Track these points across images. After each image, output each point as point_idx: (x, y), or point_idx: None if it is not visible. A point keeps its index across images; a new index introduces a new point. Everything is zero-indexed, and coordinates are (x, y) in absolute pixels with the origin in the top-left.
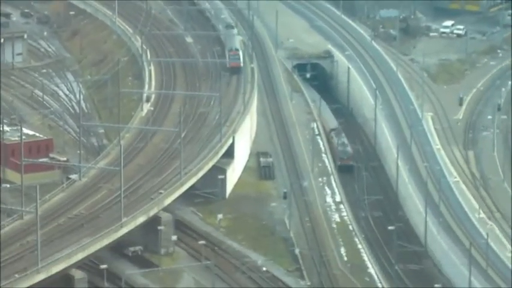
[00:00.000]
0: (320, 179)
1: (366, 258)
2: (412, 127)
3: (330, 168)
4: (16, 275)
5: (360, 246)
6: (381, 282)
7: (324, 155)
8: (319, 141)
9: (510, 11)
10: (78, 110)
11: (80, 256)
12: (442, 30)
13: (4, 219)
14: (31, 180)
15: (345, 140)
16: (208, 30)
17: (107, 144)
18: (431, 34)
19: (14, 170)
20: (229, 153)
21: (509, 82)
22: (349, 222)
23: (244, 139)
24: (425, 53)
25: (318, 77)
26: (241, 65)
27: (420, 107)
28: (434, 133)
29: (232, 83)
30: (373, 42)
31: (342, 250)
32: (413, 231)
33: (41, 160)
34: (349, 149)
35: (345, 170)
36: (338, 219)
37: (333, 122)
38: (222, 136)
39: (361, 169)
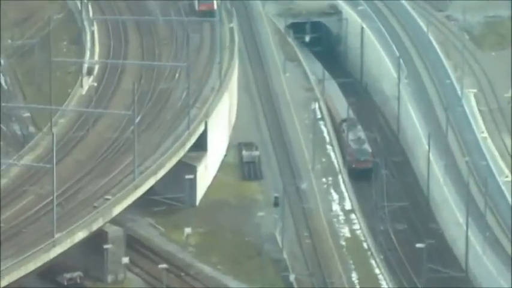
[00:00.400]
0: (324, 180)
1: (385, 286)
2: (448, 108)
3: (337, 165)
4: None
5: (377, 270)
6: None
7: (328, 147)
8: (323, 127)
9: None
10: None
11: None
12: None
13: None
14: None
15: (362, 135)
16: None
17: (34, 132)
18: None
19: None
20: (201, 145)
21: None
22: (363, 238)
23: (220, 125)
24: (466, 8)
25: (320, 40)
26: (215, 7)
27: (460, 82)
28: (479, 116)
29: (205, 48)
30: None
31: (354, 276)
32: (450, 249)
33: None
34: (366, 147)
35: (360, 176)
36: (348, 234)
37: (342, 106)
38: (190, 121)
39: (379, 166)
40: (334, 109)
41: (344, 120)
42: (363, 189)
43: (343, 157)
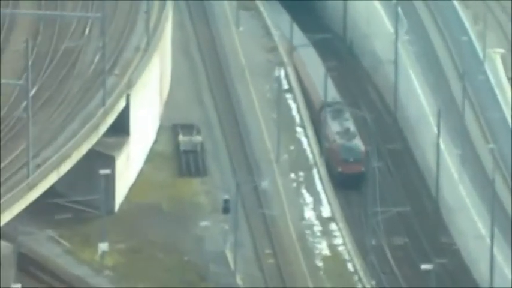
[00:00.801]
0: (293, 176)
1: None
2: (466, 76)
3: (311, 155)
4: None
5: None
6: None
7: (299, 130)
8: (291, 103)
9: None
10: None
11: None
12: None
13: None
14: None
15: (351, 126)
16: None
17: None
18: None
19: None
20: (121, 128)
21: None
22: (347, 257)
23: (148, 100)
24: None
25: None
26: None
27: (481, 39)
28: (508, 87)
29: None
30: None
31: None
32: (468, 272)
33: None
34: (358, 142)
35: (348, 183)
36: (327, 252)
37: (319, 75)
38: (106, 95)
39: (370, 157)
40: (307, 80)
41: (327, 105)
42: (348, 190)
43: (325, 156)
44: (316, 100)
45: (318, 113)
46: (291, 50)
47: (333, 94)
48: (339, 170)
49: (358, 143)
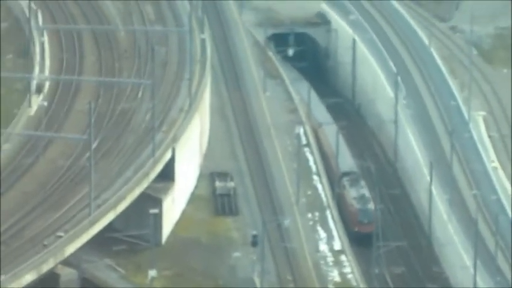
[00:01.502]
0: (310, 215)
1: None
2: (454, 134)
3: (325, 199)
4: None
5: None
6: None
7: (315, 178)
8: (308, 155)
9: None
10: None
11: None
12: None
13: None
14: None
15: (366, 192)
16: None
17: None
18: None
19: None
20: (167, 175)
21: None
22: (355, 284)
23: (190, 152)
24: (474, 18)
25: (306, 55)
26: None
27: (466, 103)
28: (489, 144)
29: (172, 63)
30: None
31: None
32: None
33: None
34: (371, 206)
35: (363, 241)
36: (338, 278)
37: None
38: (155, 147)
39: (374, 199)
40: (329, 151)
41: (346, 174)
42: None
43: (343, 217)
44: (336, 170)
45: (338, 181)
46: (309, 111)
47: (350, 165)
48: (356, 229)
49: (372, 207)
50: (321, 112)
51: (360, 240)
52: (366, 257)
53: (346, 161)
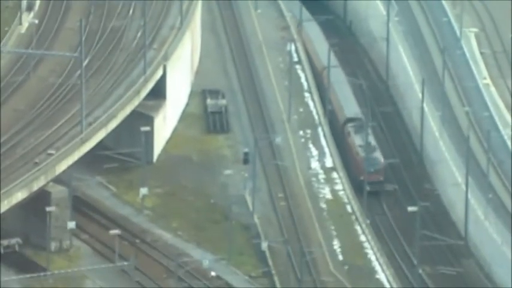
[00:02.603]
0: (301, 133)
1: (372, 256)
2: (445, 51)
3: (316, 116)
4: None
5: (363, 237)
6: None
7: (306, 95)
8: (300, 73)
9: None
10: None
11: None
12: None
13: None
14: None
15: (372, 140)
16: None
17: None
18: None
19: None
20: (159, 92)
21: None
22: (346, 200)
23: (181, 70)
24: None
25: None
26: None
27: (458, 20)
28: (481, 60)
29: None
30: None
31: (336, 244)
32: (447, 214)
33: None
34: (378, 155)
35: (369, 190)
36: (329, 196)
37: (323, 50)
38: (146, 65)
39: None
40: (314, 54)
41: (350, 120)
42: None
43: (349, 166)
44: (340, 115)
45: (342, 127)
46: (300, 28)
47: (355, 110)
48: (361, 178)
49: (378, 156)
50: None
51: (366, 189)
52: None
53: (351, 106)
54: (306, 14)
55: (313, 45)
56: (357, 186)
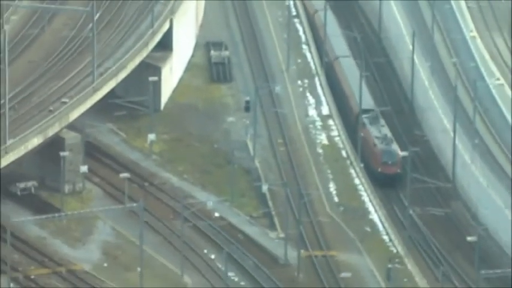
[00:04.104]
0: (299, 82)
1: (366, 198)
2: (434, 5)
3: (313, 66)
4: None
5: (357, 180)
6: (387, 234)
7: (304, 47)
8: (298, 26)
9: None
10: None
11: None
12: None
13: None
14: None
15: (388, 132)
16: None
17: None
18: None
19: None
20: (166, 44)
21: None
22: (341, 146)
23: (187, 23)
24: None
25: None
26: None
27: None
28: (467, 14)
29: None
30: None
31: (332, 187)
32: (436, 158)
33: None
34: (395, 147)
35: (385, 181)
36: (326, 141)
37: (364, 98)
38: (154, 19)
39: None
40: (312, 10)
41: (365, 111)
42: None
43: (365, 157)
44: (354, 106)
45: (356, 118)
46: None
47: (369, 102)
48: (379, 170)
49: (395, 148)
50: None
51: (383, 181)
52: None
53: (365, 98)
54: None
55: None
56: (375, 177)
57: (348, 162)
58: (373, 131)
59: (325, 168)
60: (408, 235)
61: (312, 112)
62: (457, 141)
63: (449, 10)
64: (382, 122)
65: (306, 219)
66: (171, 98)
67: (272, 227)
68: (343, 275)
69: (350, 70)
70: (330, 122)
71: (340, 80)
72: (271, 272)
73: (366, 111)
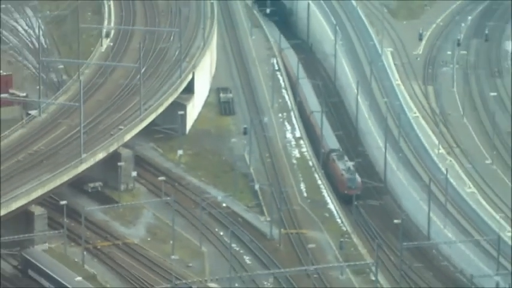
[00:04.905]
0: (280, 115)
1: (325, 194)
2: (371, 63)
3: (290, 104)
4: None
5: (319, 182)
6: (340, 218)
7: (283, 91)
8: (279, 76)
9: None
10: (37, 46)
11: (39, 192)
12: None
13: None
14: None
15: (351, 166)
16: None
17: (66, 79)
18: None
19: None
20: (189, 89)
21: (469, 18)
22: (309, 158)
23: (204, 74)
24: None
25: (277, 12)
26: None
27: (380, 43)
28: (394, 68)
29: (192, 18)
30: None
31: (302, 186)
32: (372, 166)
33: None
34: (357, 177)
35: (349, 200)
36: (298, 155)
37: (331, 141)
38: (181, 71)
39: (321, 106)
40: (286, 59)
41: (333, 151)
42: (306, 122)
43: (333, 183)
44: (325, 147)
45: (326, 155)
46: (279, 48)
47: (335, 144)
48: (345, 192)
49: (357, 177)
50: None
51: (348, 199)
52: (317, 142)
53: (332, 140)
54: (283, 39)
55: (288, 59)
56: (341, 197)
57: (313, 169)
58: (341, 165)
59: (298, 173)
60: (354, 219)
61: (289, 135)
62: (387, 155)
63: (382, 66)
64: (346, 158)
65: (284, 207)
66: (193, 126)
67: (262, 213)
68: (310, 246)
69: (313, 106)
70: (301, 142)
71: (309, 116)
72: (261, 244)
73: (333, 150)
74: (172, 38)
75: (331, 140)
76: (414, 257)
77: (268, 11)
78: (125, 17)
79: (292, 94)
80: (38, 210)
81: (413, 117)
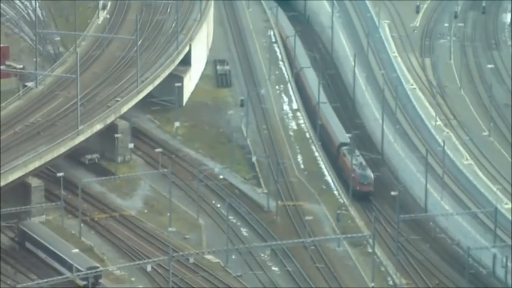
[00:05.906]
0: (277, 87)
1: (322, 165)
2: (369, 35)
3: (286, 76)
4: None
5: (316, 154)
6: (337, 190)
7: (280, 63)
8: (276, 49)
9: None
10: (34, 18)
11: (36, 164)
12: None
13: None
14: None
15: (363, 161)
16: None
17: (63, 51)
18: None
19: None
20: (186, 61)
21: None
22: (306, 130)
23: (201, 47)
24: None
25: None
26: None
27: (377, 15)
28: (391, 41)
29: None
30: None
31: (299, 158)
32: (370, 138)
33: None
34: (369, 173)
35: (362, 197)
36: (295, 127)
37: (341, 133)
38: (178, 44)
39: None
40: (282, 30)
41: (344, 144)
42: (303, 93)
43: (345, 178)
44: (336, 141)
45: (337, 149)
46: (276, 21)
47: (345, 137)
48: (357, 188)
49: (369, 172)
50: (279, 12)
51: (360, 195)
52: (314, 113)
53: (342, 133)
54: (280, 11)
55: (285, 31)
56: (354, 194)
57: (310, 141)
58: (353, 160)
59: (295, 145)
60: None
61: (286, 107)
62: (384, 127)
63: (379, 38)
64: (357, 152)
65: (281, 179)
66: (190, 98)
67: (259, 185)
68: (307, 218)
69: (311, 78)
70: (298, 114)
71: (305, 85)
72: (258, 216)
73: (344, 143)
74: (168, 10)
75: (341, 134)
76: (411, 229)
77: None
78: None
79: (289, 65)
80: (35, 182)
81: (410, 89)
